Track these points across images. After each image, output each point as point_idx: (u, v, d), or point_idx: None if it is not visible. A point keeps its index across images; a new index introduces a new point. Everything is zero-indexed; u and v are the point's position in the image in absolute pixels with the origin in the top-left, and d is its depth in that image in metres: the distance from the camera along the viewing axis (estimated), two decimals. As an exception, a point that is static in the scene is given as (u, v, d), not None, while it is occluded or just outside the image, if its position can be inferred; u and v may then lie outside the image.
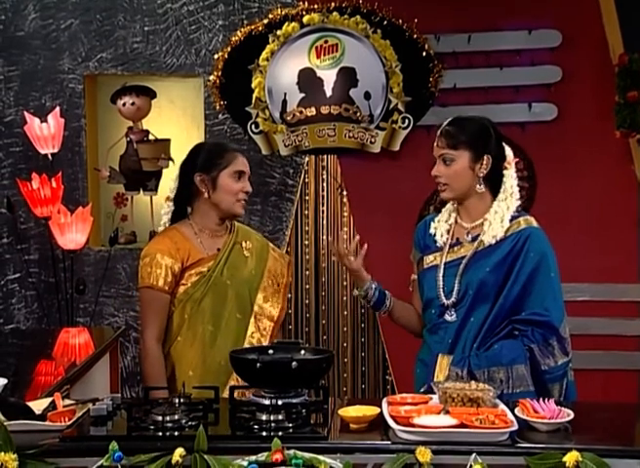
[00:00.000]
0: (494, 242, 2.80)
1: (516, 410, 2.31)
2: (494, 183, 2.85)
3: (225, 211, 3.04)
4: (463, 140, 2.80)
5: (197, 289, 2.98)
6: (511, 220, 2.83)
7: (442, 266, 2.85)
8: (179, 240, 3.00)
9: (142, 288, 2.99)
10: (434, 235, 2.92)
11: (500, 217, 2.81)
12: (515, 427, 2.18)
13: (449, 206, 2.95)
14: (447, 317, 2.83)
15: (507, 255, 2.79)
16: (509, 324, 2.77)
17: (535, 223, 2.87)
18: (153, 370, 2.95)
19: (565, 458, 2.03)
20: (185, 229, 3.05)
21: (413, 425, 2.18)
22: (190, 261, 2.99)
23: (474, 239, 2.85)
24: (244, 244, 3.11)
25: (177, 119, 5.47)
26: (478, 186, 2.83)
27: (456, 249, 2.87)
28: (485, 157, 2.81)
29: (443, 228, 2.91)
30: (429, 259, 2.90)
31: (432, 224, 2.95)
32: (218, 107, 4.93)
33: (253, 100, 4.84)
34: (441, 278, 2.84)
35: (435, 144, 2.84)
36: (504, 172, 2.86)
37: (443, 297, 2.83)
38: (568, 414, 2.28)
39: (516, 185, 2.87)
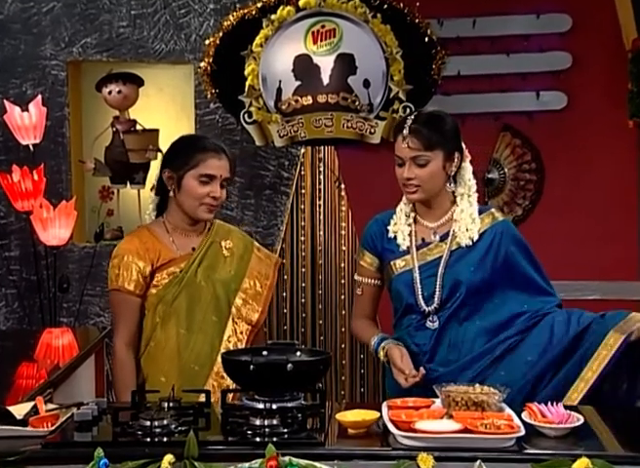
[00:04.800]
0: (471, 243, 2.83)
1: (523, 415, 2.32)
2: (456, 178, 2.90)
3: (189, 214, 2.99)
4: (438, 141, 2.80)
5: (169, 290, 2.96)
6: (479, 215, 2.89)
7: (417, 270, 2.85)
8: (148, 240, 2.98)
9: (111, 290, 2.99)
10: (395, 239, 2.91)
11: (469, 216, 2.84)
12: (522, 432, 2.18)
13: (402, 206, 2.95)
14: (428, 324, 2.84)
15: (488, 251, 2.83)
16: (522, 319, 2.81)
17: (501, 215, 2.95)
18: (123, 374, 2.94)
19: (574, 465, 2.04)
20: (157, 228, 3.03)
21: (414, 430, 2.18)
22: (161, 262, 2.96)
23: (443, 238, 2.87)
24: (223, 243, 3.07)
25: (165, 108, 5.47)
26: (449, 185, 2.88)
27: (426, 250, 2.87)
28: (456, 155, 2.85)
29: (405, 231, 2.90)
30: (400, 264, 2.88)
31: (389, 228, 2.93)
32: (209, 96, 4.93)
33: (246, 89, 4.83)
34: (419, 282, 2.84)
35: (404, 145, 2.79)
36: (462, 164, 2.89)
37: (423, 304, 2.83)
38: (577, 419, 2.28)
39: (473, 177, 2.91)
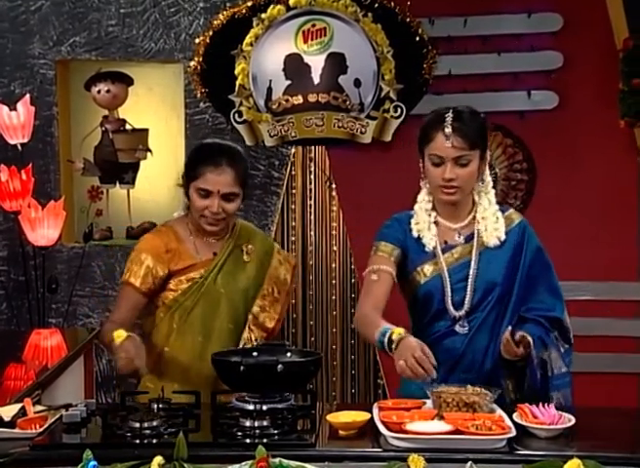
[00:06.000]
0: (499, 243, 2.78)
1: (514, 416, 2.33)
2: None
3: (197, 223, 2.98)
4: (479, 139, 2.74)
5: (187, 297, 2.95)
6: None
7: (446, 274, 2.77)
8: (170, 240, 2.97)
9: (121, 282, 2.99)
10: (420, 239, 2.82)
11: (492, 216, 2.80)
12: (513, 433, 2.19)
13: (423, 204, 2.85)
14: (458, 328, 2.77)
15: (513, 252, 2.79)
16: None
17: (518, 215, 2.91)
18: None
19: (566, 466, 2.05)
20: (181, 229, 3.01)
21: (405, 431, 2.19)
22: (180, 266, 2.95)
23: (468, 239, 2.82)
24: (244, 247, 3.05)
25: (155, 107, 5.45)
26: (480, 184, 2.83)
27: (453, 253, 2.80)
28: (487, 153, 2.80)
29: (432, 232, 2.81)
30: (428, 269, 2.79)
31: (412, 227, 2.83)
32: (199, 95, 4.92)
33: (236, 88, 4.83)
34: (449, 287, 2.76)
35: (448, 144, 2.69)
36: None
37: (452, 309, 2.76)
38: (569, 420, 2.29)
39: (489, 174, 2.86)
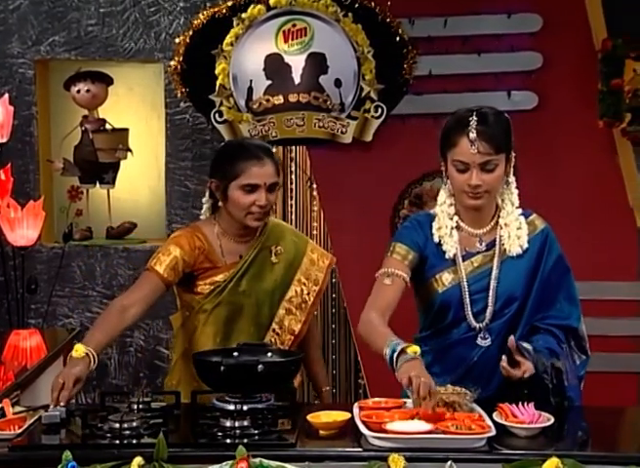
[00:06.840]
0: (521, 252, 2.71)
1: (494, 415, 2.34)
2: None
3: (238, 222, 2.96)
4: (504, 143, 2.67)
5: (209, 300, 2.95)
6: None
7: (465, 286, 2.69)
8: (197, 239, 2.96)
9: (145, 269, 2.96)
10: (440, 245, 2.72)
11: (514, 221, 2.73)
12: (493, 433, 2.20)
13: (445, 207, 2.76)
14: (479, 341, 2.69)
15: (534, 262, 2.73)
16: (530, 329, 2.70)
17: (541, 221, 2.84)
18: (102, 315, 2.85)
19: (545, 465, 2.06)
20: (208, 230, 3.00)
21: (385, 431, 2.20)
22: (206, 265, 2.95)
23: (489, 246, 2.74)
24: (273, 249, 3.02)
25: (135, 107, 5.44)
26: (506, 187, 2.76)
27: (473, 261, 2.73)
28: (513, 154, 2.74)
29: (454, 237, 2.71)
30: (447, 278, 2.71)
31: (434, 232, 2.73)
32: (179, 95, 4.91)
33: (216, 88, 4.82)
34: (468, 297, 2.69)
35: (474, 150, 2.60)
36: None
37: (473, 320, 2.69)
38: (548, 419, 2.30)
39: (513, 175, 2.78)
